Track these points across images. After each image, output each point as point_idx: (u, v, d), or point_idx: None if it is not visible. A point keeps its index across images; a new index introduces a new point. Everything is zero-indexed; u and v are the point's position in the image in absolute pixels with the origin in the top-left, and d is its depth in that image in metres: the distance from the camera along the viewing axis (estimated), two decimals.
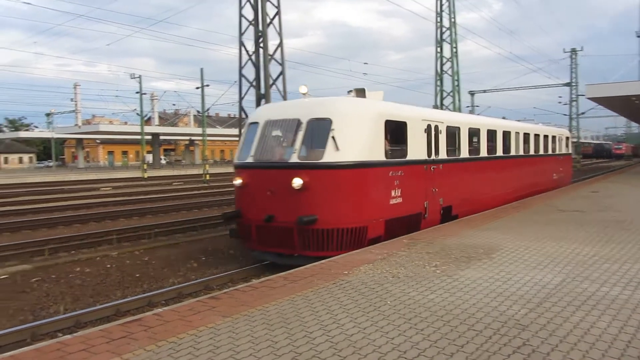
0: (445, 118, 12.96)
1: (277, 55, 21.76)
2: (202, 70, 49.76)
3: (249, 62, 21.83)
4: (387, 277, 7.05)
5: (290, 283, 6.81)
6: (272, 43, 21.93)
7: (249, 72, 21.77)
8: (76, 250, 13.18)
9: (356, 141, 9.64)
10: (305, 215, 9.18)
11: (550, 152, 21.90)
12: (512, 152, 17.35)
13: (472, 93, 63.89)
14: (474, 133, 14.47)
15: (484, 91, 63.55)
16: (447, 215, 12.69)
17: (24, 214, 20.38)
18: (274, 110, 10.89)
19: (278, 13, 21.50)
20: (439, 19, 37.91)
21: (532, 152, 19.41)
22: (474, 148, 14.47)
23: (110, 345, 4.76)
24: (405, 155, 10.94)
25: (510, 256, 8.23)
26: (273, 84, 21.41)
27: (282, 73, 21.14)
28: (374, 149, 9.92)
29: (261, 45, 21.38)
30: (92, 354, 4.54)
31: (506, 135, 16.85)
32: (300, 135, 9.70)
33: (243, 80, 21.47)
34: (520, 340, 4.67)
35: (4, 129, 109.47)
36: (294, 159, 9.55)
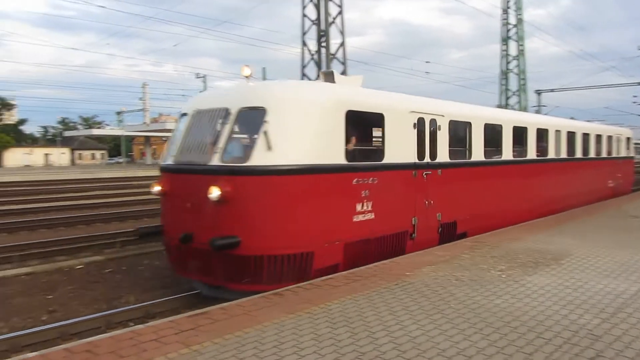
0: (448, 110, 10.34)
1: (339, 54, 21.90)
2: (264, 69, 50.45)
3: (311, 61, 22.09)
4: (450, 279, 6.94)
5: (352, 282, 6.83)
6: (334, 42, 22.10)
7: (311, 71, 22.02)
8: (145, 243, 13.74)
9: (299, 138, 7.42)
10: (225, 235, 7.03)
11: (604, 154, 18.73)
12: (551, 155, 14.41)
13: (538, 92, 61.65)
14: (493, 131, 11.77)
15: (552, 90, 61.22)
16: (450, 233, 10.21)
17: (97, 207, 21.46)
18: (206, 98, 8.75)
19: (341, 12, 21.61)
20: (505, 16, 36.90)
21: (579, 154, 16.38)
22: (492, 149, 11.74)
23: (179, 336, 4.95)
24: (381, 157, 8.54)
25: (580, 263, 7.90)
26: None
27: (344, 72, 21.24)
28: (326, 149, 7.58)
29: (323, 44, 21.56)
30: (163, 344, 4.74)
31: (542, 134, 13.94)
32: (227, 130, 7.52)
33: (305, 79, 21.71)
34: (593, 352, 4.48)
35: (79, 126, 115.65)
36: (215, 161, 7.38)
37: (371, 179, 8.20)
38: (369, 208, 8.16)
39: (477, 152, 11.09)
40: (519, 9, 36.64)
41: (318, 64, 21.38)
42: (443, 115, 10.02)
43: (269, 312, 5.63)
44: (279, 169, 7.17)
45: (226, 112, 7.65)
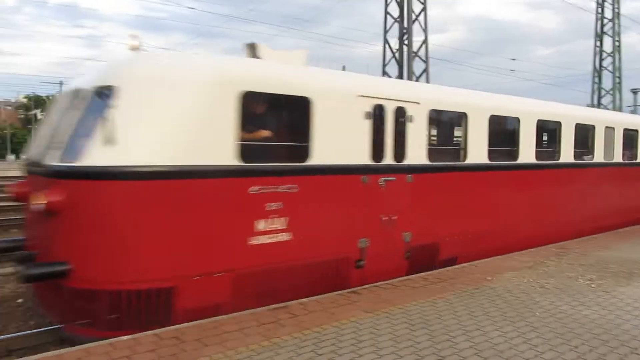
0: (426, 97, 7.85)
1: (421, 52, 21.57)
2: (344, 67, 50.57)
3: (392, 59, 21.92)
4: (534, 286, 6.68)
5: (430, 284, 6.75)
6: (415, 39, 21.82)
7: (393, 69, 21.86)
8: None
9: (157, 129, 5.42)
10: (52, 261, 5.32)
11: None
12: (598, 159, 11.45)
13: (634, 91, 57.63)
14: (505, 126, 9.44)
15: None
16: (428, 259, 7.84)
17: None
18: (78, 77, 6.86)
19: (424, 9, 21.28)
20: (600, 10, 34.74)
21: None
22: (505, 149, 9.30)
23: (260, 328, 5.10)
24: (304, 156, 6.32)
25: None
26: (416, 81, 21.28)
27: (425, 70, 20.93)
28: (203, 145, 5.54)
29: (405, 42, 21.32)
30: (245, 335, 4.91)
31: (584, 131, 11.11)
32: (74, 117, 5.70)
33: (385, 77, 21.56)
34: None
35: None
36: (54, 159, 5.51)
37: (286, 186, 6.16)
38: (282, 226, 6.13)
39: (477, 153, 8.50)
40: (616, 1, 34.35)
41: (399, 62, 21.19)
42: (418, 103, 7.60)
43: (347, 310, 5.68)
44: (122, 170, 5.25)
45: (78, 94, 5.89)
